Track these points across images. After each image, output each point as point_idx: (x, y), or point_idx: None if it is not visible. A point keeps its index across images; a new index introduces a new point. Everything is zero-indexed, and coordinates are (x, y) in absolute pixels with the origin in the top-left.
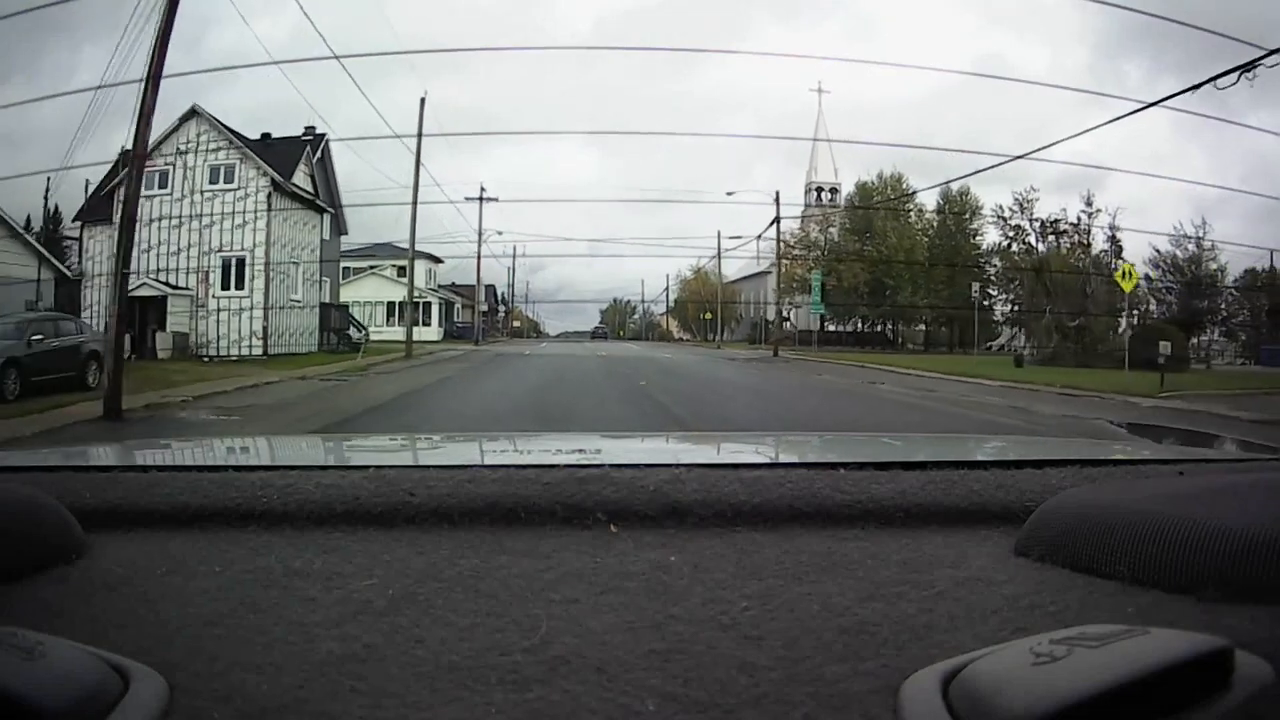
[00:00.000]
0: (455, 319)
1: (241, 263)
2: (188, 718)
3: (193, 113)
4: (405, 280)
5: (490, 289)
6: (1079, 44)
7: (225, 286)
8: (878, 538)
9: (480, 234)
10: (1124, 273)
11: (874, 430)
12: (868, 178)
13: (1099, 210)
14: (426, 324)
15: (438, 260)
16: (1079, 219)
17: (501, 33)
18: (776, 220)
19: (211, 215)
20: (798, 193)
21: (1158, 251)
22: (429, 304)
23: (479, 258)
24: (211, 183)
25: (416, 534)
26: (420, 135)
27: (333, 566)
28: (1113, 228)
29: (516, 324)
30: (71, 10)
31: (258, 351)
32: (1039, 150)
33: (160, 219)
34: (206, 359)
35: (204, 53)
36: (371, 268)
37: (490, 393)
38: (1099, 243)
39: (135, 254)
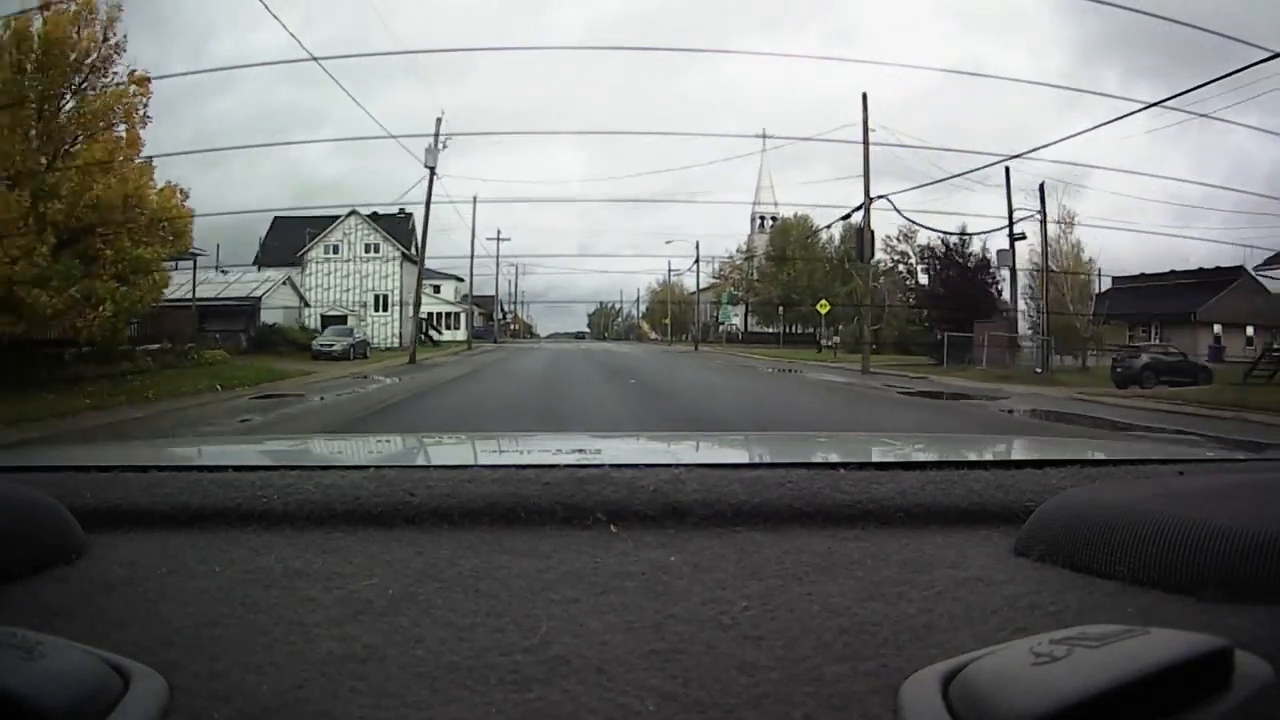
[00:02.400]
0: (472, 324)
1: (386, 298)
2: (188, 718)
3: (352, 212)
4: (439, 296)
5: (487, 299)
6: (1058, 50)
7: (375, 310)
8: (878, 538)
9: (498, 264)
10: (821, 304)
11: (872, 427)
12: (810, 202)
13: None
14: (455, 328)
15: (461, 279)
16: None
17: (499, 38)
18: (696, 260)
19: (367, 271)
20: (776, 188)
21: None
22: (458, 314)
23: (497, 283)
24: (365, 252)
25: (416, 534)
26: (474, 208)
27: (333, 566)
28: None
29: (514, 327)
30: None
31: (394, 345)
32: (1012, 157)
33: (334, 272)
34: (347, 354)
35: (205, 59)
36: None
37: (535, 359)
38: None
39: (324, 292)
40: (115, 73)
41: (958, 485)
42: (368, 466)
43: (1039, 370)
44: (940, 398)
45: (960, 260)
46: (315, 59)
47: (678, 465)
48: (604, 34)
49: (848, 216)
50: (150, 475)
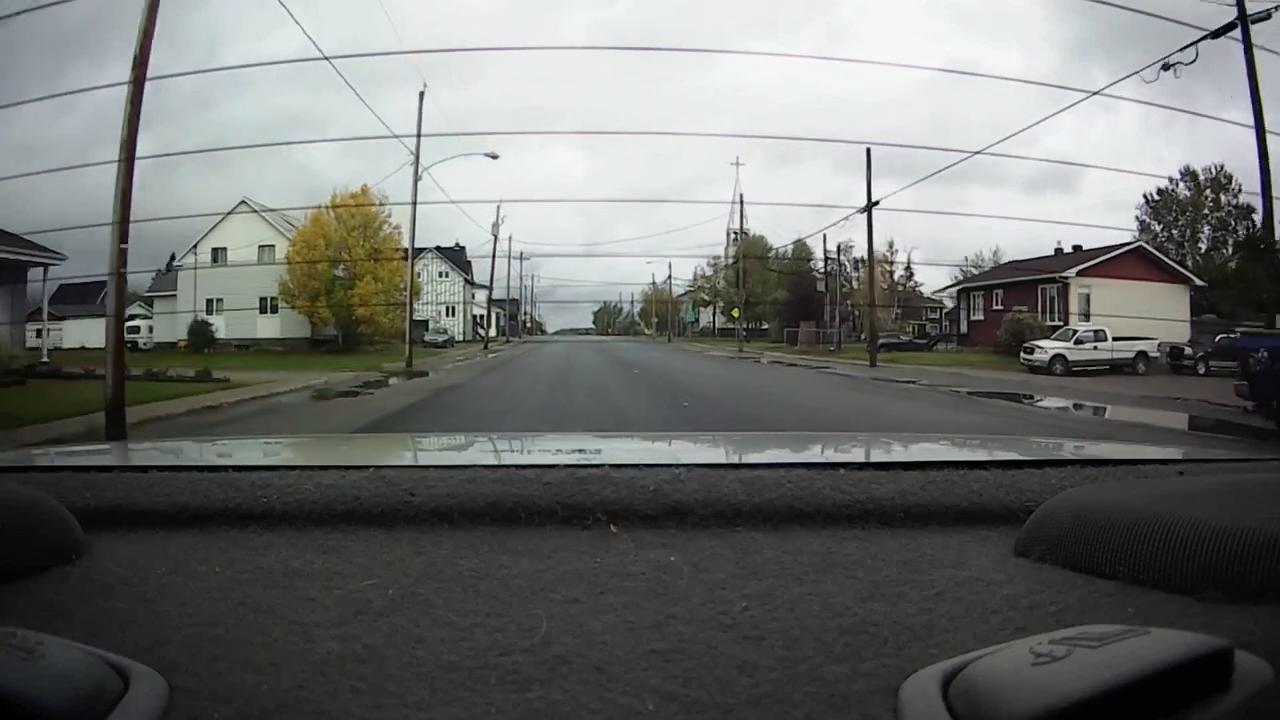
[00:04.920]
0: (502, 323)
1: (453, 307)
2: (188, 718)
3: (431, 249)
4: (475, 301)
5: (515, 302)
6: (1048, 49)
7: (446, 315)
8: (878, 538)
9: (521, 276)
10: (734, 310)
11: (881, 424)
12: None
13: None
14: (487, 327)
15: (488, 287)
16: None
17: (506, 44)
18: (669, 277)
19: (440, 290)
20: (765, 186)
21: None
22: (487, 315)
23: (521, 292)
24: (438, 277)
25: (416, 534)
26: (510, 243)
27: (333, 566)
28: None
29: (529, 325)
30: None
31: (460, 339)
32: (995, 144)
33: (417, 290)
34: (445, 344)
35: (215, 64)
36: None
37: (556, 348)
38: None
39: (418, 304)
40: (391, 225)
41: (958, 485)
42: (368, 466)
43: (832, 348)
44: (745, 360)
45: (801, 278)
46: (326, 59)
47: (678, 465)
48: (606, 41)
49: (735, 262)
50: (150, 475)
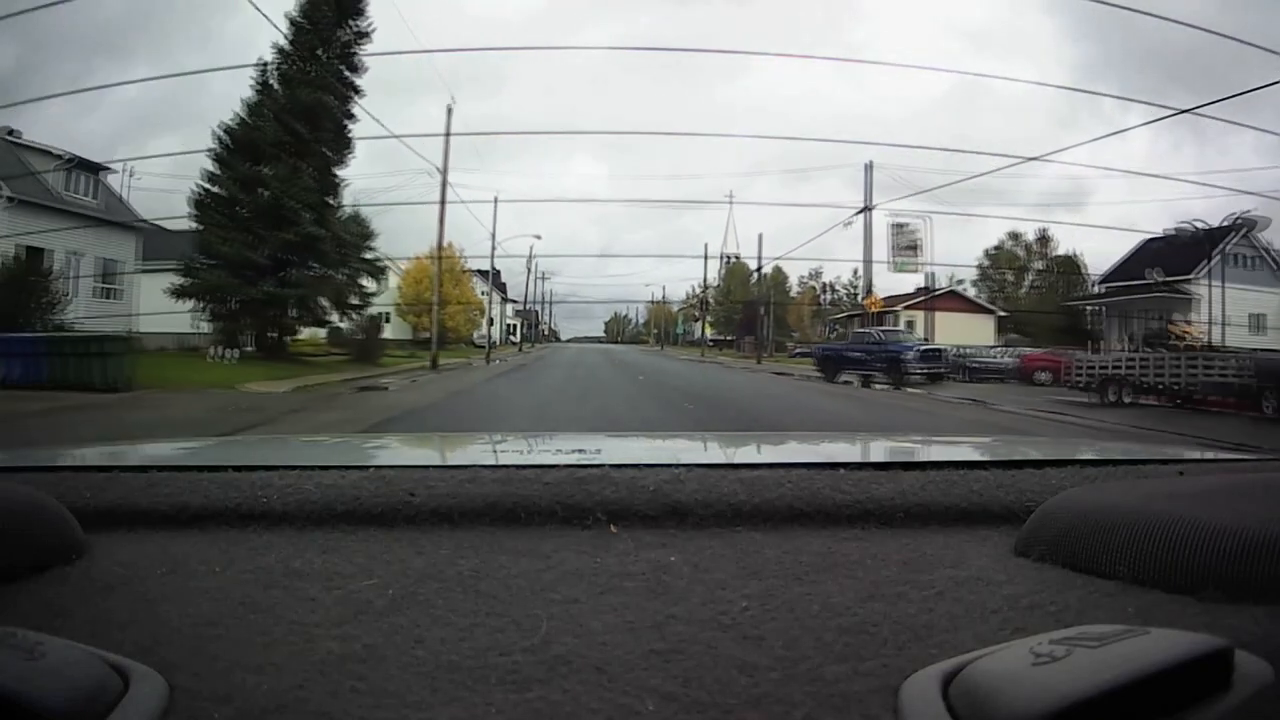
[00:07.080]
0: (525, 331)
1: (494, 319)
2: (188, 718)
3: (474, 272)
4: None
5: (535, 313)
6: (1059, 69)
7: (488, 325)
8: (878, 538)
9: (542, 294)
10: (708, 325)
11: (876, 425)
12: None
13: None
14: (514, 335)
15: (516, 300)
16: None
17: (531, 65)
18: (663, 299)
19: (484, 305)
20: (781, 199)
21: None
22: (515, 325)
23: (541, 304)
24: (480, 295)
25: (416, 534)
26: (535, 263)
27: (333, 566)
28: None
29: (545, 332)
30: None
31: (496, 343)
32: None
33: (481, 310)
34: (491, 346)
35: (244, 73)
36: None
37: (573, 351)
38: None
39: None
40: (466, 269)
41: (958, 485)
42: (368, 466)
43: (764, 354)
44: (693, 361)
45: (749, 304)
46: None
47: (678, 465)
48: (626, 56)
49: (705, 289)
50: (150, 475)
